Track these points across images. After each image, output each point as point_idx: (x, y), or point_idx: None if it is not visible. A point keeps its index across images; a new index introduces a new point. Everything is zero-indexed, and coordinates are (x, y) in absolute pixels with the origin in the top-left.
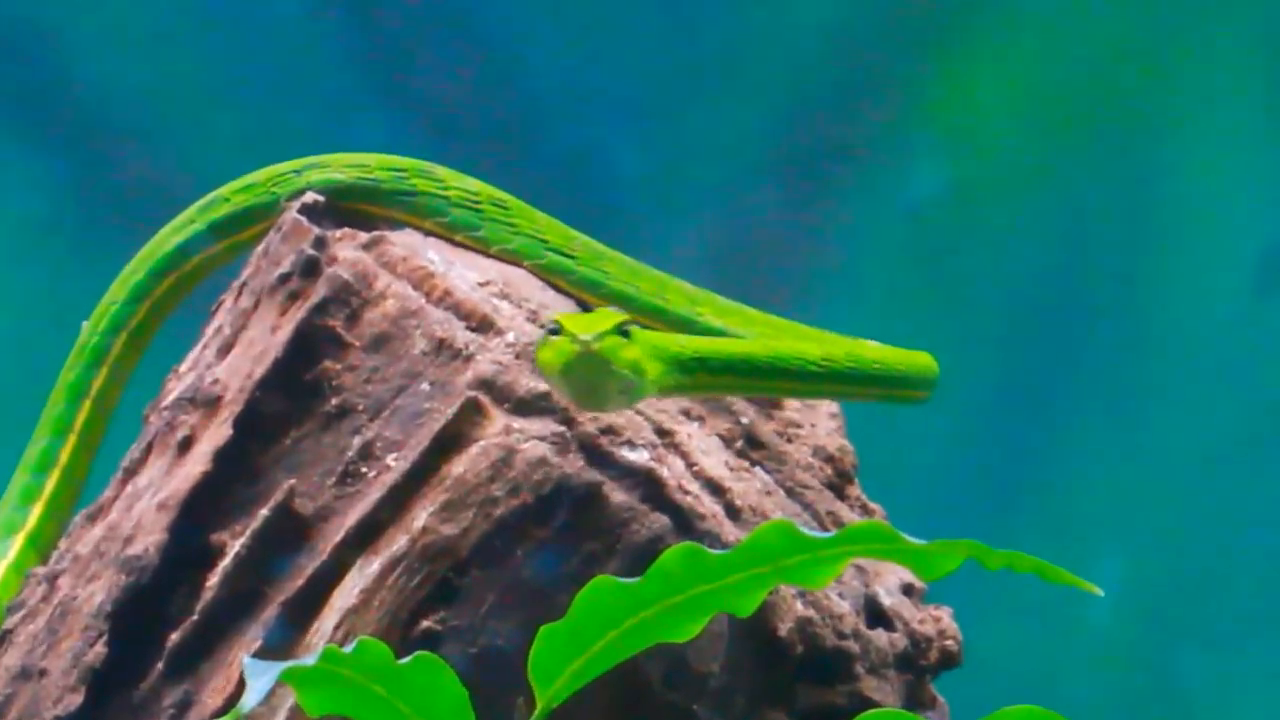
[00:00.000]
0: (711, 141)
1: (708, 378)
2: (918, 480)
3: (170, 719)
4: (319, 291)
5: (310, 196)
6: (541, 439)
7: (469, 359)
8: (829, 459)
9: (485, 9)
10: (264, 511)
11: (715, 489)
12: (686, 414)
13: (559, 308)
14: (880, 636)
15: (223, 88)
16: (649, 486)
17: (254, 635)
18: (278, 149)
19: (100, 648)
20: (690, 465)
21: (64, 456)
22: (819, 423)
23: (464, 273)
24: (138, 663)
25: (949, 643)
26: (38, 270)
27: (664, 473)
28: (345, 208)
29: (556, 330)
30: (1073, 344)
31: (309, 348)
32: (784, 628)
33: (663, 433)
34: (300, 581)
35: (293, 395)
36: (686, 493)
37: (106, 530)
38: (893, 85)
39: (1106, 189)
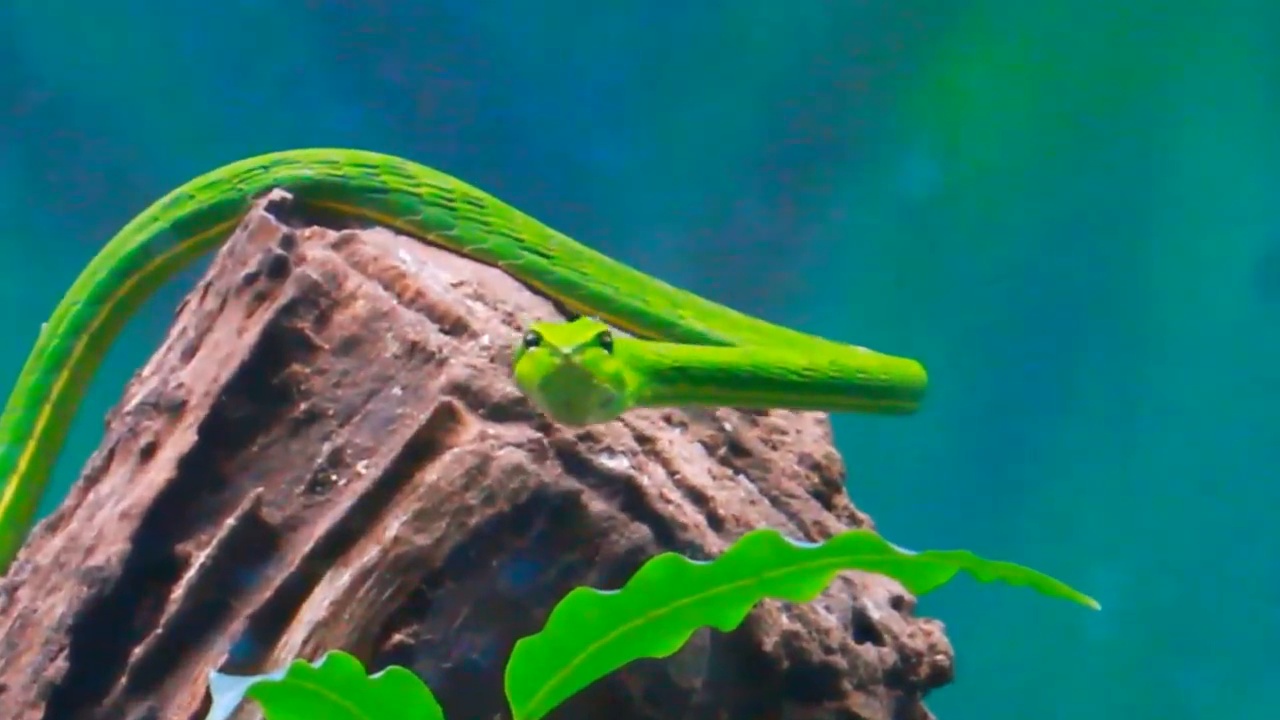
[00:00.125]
0: (695, 137)
1: (688, 387)
2: (908, 489)
3: None
4: (287, 292)
5: (278, 193)
6: (518, 446)
7: (442, 362)
8: (815, 467)
9: None
10: (230, 521)
11: (698, 498)
12: (668, 420)
13: (535, 309)
14: (869, 651)
15: (187, 80)
16: (629, 495)
17: (220, 649)
18: (244, 144)
19: (61, 662)
20: (672, 473)
21: (23, 464)
22: (805, 429)
23: (437, 273)
24: (100, 678)
25: (940, 658)
26: None
27: (645, 481)
28: (314, 205)
29: (535, 341)
30: (1068, 348)
31: (277, 351)
32: (769, 642)
33: (643, 440)
34: (268, 593)
35: (260, 400)
36: (668, 502)
37: (67, 540)
38: (882, 80)
39: (1103, 188)
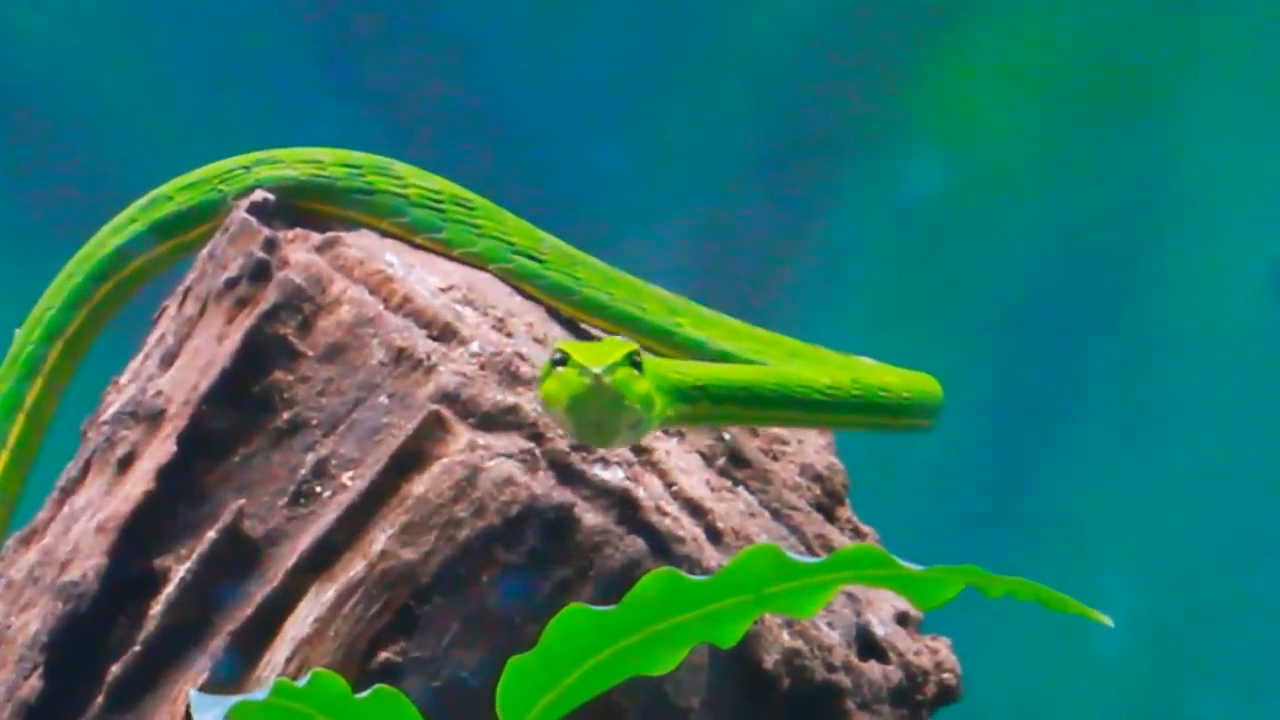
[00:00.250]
0: (692, 136)
1: (710, 407)
2: (913, 502)
3: None
4: (269, 297)
5: (260, 195)
6: (508, 456)
7: (430, 370)
8: (817, 478)
9: None
10: (211, 534)
11: (695, 510)
12: (664, 430)
13: (526, 315)
14: (873, 669)
15: (166, 77)
16: (624, 507)
17: (200, 667)
18: (225, 143)
19: (35, 681)
20: (669, 485)
21: None
22: (807, 439)
23: (425, 277)
24: (75, 697)
25: (947, 676)
26: None
27: (640, 493)
28: (297, 207)
29: (563, 360)
30: (1077, 353)
31: (258, 358)
32: (769, 660)
33: (639, 450)
34: (250, 609)
35: (241, 409)
36: (665, 514)
37: (41, 554)
38: (884, 77)
39: (1112, 189)
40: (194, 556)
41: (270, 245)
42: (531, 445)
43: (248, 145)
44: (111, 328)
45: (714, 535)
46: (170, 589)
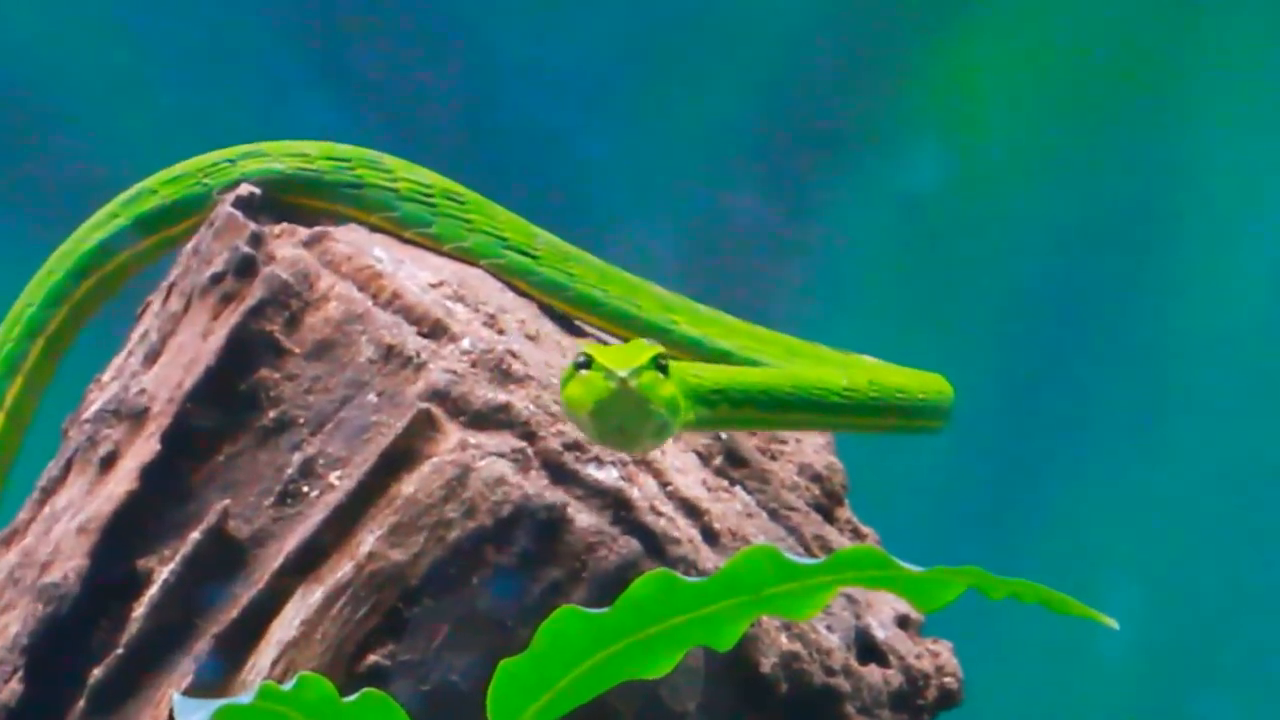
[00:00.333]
0: (687, 128)
1: (729, 410)
2: (914, 502)
3: None
4: (255, 293)
5: (246, 188)
6: (500, 455)
7: (420, 367)
8: (816, 478)
9: None
10: (195, 535)
11: (691, 510)
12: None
13: (519, 311)
14: (873, 673)
15: (150, 68)
16: (618, 508)
17: (184, 670)
18: (210, 136)
19: (15, 684)
20: (664, 484)
21: None
22: (805, 439)
23: (415, 273)
24: (56, 701)
25: (948, 680)
26: None
27: (635, 493)
28: (284, 201)
29: (586, 364)
30: (1083, 352)
31: (244, 355)
32: (767, 663)
33: None
34: (235, 612)
35: (226, 407)
36: (660, 514)
37: (22, 556)
38: (885, 67)
39: (1120, 183)
40: (178, 558)
41: (256, 240)
42: (523, 444)
43: (233, 138)
44: (94, 324)
45: (710, 536)
46: (153, 591)
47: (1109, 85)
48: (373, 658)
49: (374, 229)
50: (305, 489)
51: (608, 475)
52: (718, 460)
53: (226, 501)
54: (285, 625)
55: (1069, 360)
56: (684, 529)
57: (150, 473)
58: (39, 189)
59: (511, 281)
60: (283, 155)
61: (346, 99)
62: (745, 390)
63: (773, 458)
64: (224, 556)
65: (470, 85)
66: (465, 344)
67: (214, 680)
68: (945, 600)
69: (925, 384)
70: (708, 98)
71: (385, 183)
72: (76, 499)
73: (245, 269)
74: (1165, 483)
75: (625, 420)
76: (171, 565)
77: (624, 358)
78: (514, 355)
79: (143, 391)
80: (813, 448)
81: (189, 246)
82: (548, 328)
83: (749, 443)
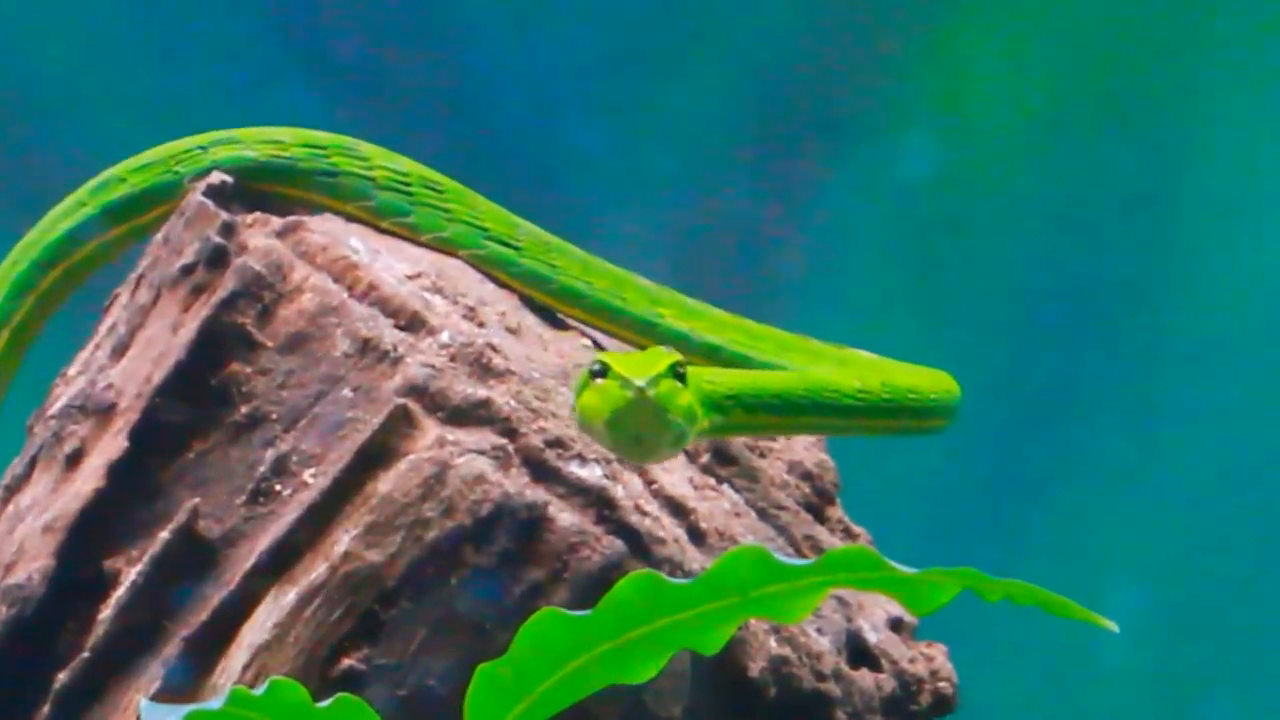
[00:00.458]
0: (675, 115)
1: (743, 416)
2: (907, 501)
3: None
4: (227, 285)
5: (217, 176)
6: (479, 453)
7: (397, 361)
8: (807, 476)
9: None
10: (164, 534)
11: (677, 509)
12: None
13: (499, 304)
14: (865, 678)
15: (119, 52)
16: (602, 507)
17: (152, 675)
18: (181, 122)
19: None
20: (649, 483)
21: None
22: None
23: (392, 264)
24: (20, 706)
25: (943, 685)
26: None
27: (619, 491)
28: (257, 189)
29: (602, 372)
30: (1083, 346)
31: (215, 348)
32: (755, 668)
33: None
34: (205, 614)
35: (197, 402)
36: (644, 514)
37: None
38: (878, 55)
39: (1122, 173)
40: (146, 558)
41: (228, 230)
42: (504, 441)
43: (205, 125)
44: (60, 317)
45: (697, 536)
46: (121, 592)
47: (1106, 72)
48: (347, 662)
49: (350, 218)
50: (278, 487)
51: (590, 473)
52: (705, 458)
53: (196, 500)
54: (257, 628)
55: (1068, 355)
56: (669, 528)
57: (118, 470)
58: (8, 176)
59: (492, 273)
60: (256, 142)
61: (325, 86)
62: (759, 395)
63: (762, 455)
64: (194, 557)
65: (452, 72)
66: (444, 337)
67: (183, 684)
68: (939, 602)
69: (936, 383)
70: (697, 86)
71: (361, 171)
72: (41, 497)
73: (217, 260)
74: (1167, 480)
75: (643, 430)
76: (140, 566)
77: (641, 366)
78: (494, 349)
79: (110, 386)
80: (803, 445)
81: (159, 236)
82: (529, 321)
83: (737, 440)
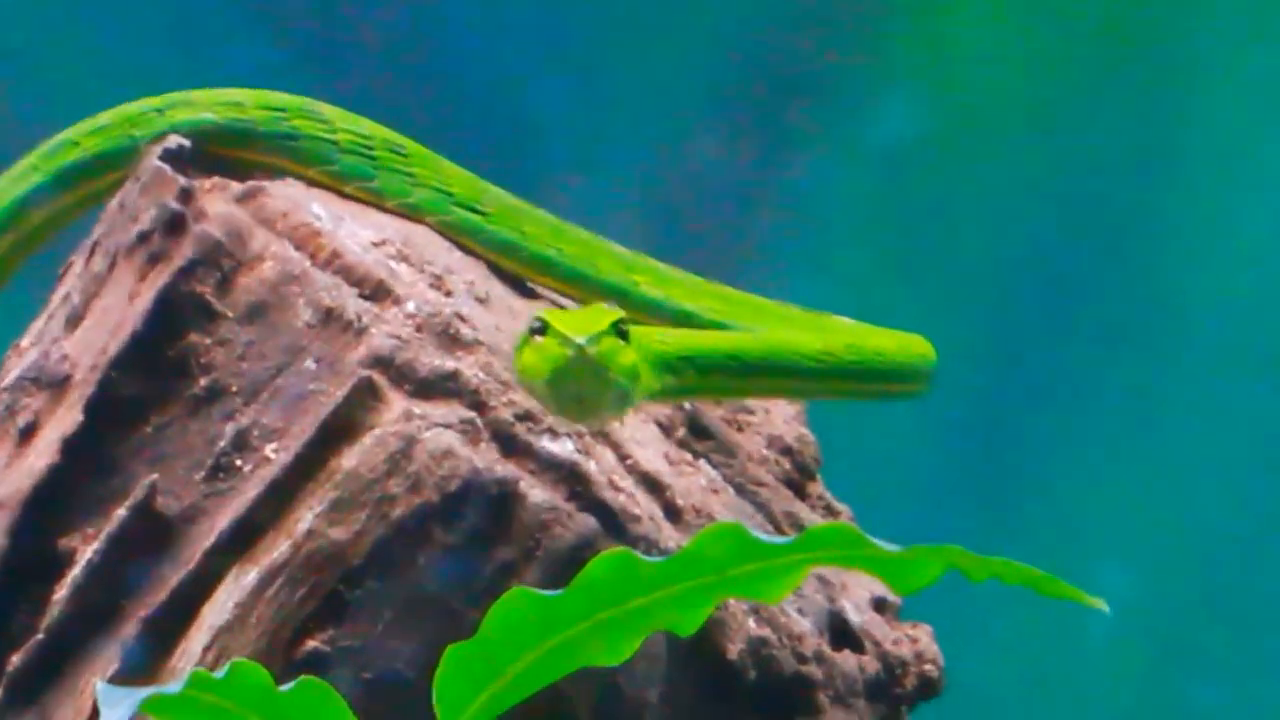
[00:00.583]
0: (647, 75)
1: (696, 378)
2: (891, 477)
3: None
4: (185, 252)
5: (174, 140)
6: (447, 427)
7: (361, 332)
8: (786, 450)
9: None
10: (121, 512)
11: (652, 485)
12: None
13: (467, 272)
14: (847, 660)
15: (71, 10)
16: (574, 482)
17: (109, 657)
18: (136, 84)
19: None
20: (623, 458)
21: None
22: (775, 408)
23: (355, 230)
24: None
25: (928, 667)
26: None
27: (592, 467)
28: (216, 153)
29: (541, 330)
30: (1072, 316)
31: (173, 318)
32: (733, 649)
33: None
34: (163, 594)
35: (154, 375)
36: (618, 490)
37: None
38: (859, 11)
39: (1115, 135)
40: (102, 536)
41: (186, 196)
42: (472, 414)
43: (162, 86)
44: (12, 286)
45: (672, 513)
46: (76, 571)
47: (1096, 31)
48: (311, 643)
49: (312, 183)
50: (239, 462)
51: (562, 448)
52: (681, 432)
53: (154, 476)
54: (217, 609)
55: (1057, 325)
56: (644, 505)
57: (72, 445)
58: None
59: (459, 240)
60: (214, 104)
61: (282, 45)
62: (713, 356)
63: (740, 429)
64: (152, 535)
65: (417, 30)
66: (410, 307)
67: (141, 667)
68: (924, 582)
69: (905, 346)
70: (670, 43)
71: (323, 134)
72: None
73: (174, 227)
74: (1159, 457)
75: (583, 390)
76: (95, 544)
77: (581, 323)
78: (462, 319)
79: (64, 358)
80: (783, 418)
81: (114, 202)
82: (498, 290)
83: (714, 413)
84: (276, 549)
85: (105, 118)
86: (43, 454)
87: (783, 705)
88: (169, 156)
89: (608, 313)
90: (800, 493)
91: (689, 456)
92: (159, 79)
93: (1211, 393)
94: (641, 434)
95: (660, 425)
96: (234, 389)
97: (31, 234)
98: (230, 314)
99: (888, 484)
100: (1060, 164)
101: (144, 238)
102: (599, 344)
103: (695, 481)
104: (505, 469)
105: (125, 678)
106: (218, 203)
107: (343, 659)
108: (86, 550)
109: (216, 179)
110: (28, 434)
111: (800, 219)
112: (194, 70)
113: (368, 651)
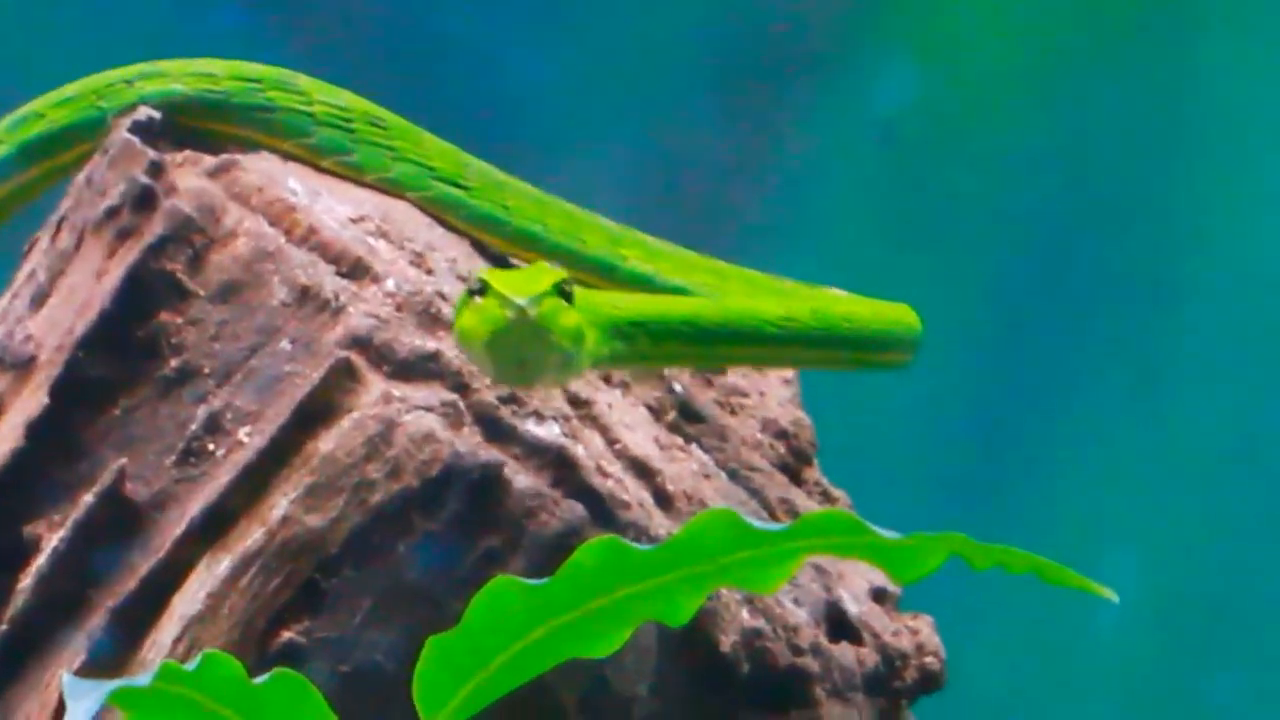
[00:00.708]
0: (637, 45)
1: (649, 345)
2: (890, 462)
3: None
4: (155, 229)
5: (144, 112)
6: (428, 410)
7: (339, 311)
8: (781, 434)
9: None
10: (88, 498)
11: (642, 471)
12: (607, 380)
13: (449, 249)
14: (845, 652)
15: None
16: (560, 468)
17: (76, 648)
18: (104, 54)
19: None
20: (611, 442)
21: None
22: (769, 391)
23: (333, 206)
24: None
25: (929, 659)
26: None
27: (579, 451)
28: (187, 125)
29: (481, 290)
30: (1075, 292)
31: (143, 297)
32: (727, 641)
33: (577, 402)
34: (133, 583)
35: (123, 355)
36: (607, 475)
37: None
38: None
39: (1120, 102)
40: (69, 523)
41: (156, 169)
42: (455, 397)
43: (131, 56)
44: None
45: (663, 499)
46: (41, 560)
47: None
48: (287, 634)
49: (288, 157)
50: (211, 447)
51: (548, 432)
52: (671, 415)
53: (123, 460)
54: (189, 598)
55: (1060, 303)
56: (633, 491)
57: (38, 428)
58: None
59: (441, 215)
60: (185, 75)
61: (259, 12)
62: (667, 322)
63: (733, 412)
64: (120, 521)
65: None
66: (389, 285)
67: (109, 659)
68: (925, 571)
69: (881, 313)
70: (660, 12)
71: (299, 106)
72: None
73: (144, 202)
74: (1167, 439)
75: (524, 353)
76: (62, 531)
77: (523, 283)
78: (444, 298)
79: (29, 338)
80: (777, 401)
81: (81, 177)
82: (482, 267)
83: (706, 396)
84: (250, 536)
85: (72, 89)
86: (6, 438)
87: (778, 699)
88: (138, 129)
89: (551, 272)
90: (796, 478)
91: (680, 440)
92: (129, 48)
93: (1223, 376)
94: (631, 417)
95: (650, 408)
96: (206, 370)
97: None
98: (202, 292)
99: (886, 469)
100: (1061, 136)
101: (112, 213)
102: (540, 305)
103: (686, 466)
104: (489, 453)
105: (92, 670)
106: (189, 177)
107: (319, 650)
108: (52, 538)
109: (188, 152)
110: None
111: (794, 192)
112: (167, 38)
113: (345, 643)
